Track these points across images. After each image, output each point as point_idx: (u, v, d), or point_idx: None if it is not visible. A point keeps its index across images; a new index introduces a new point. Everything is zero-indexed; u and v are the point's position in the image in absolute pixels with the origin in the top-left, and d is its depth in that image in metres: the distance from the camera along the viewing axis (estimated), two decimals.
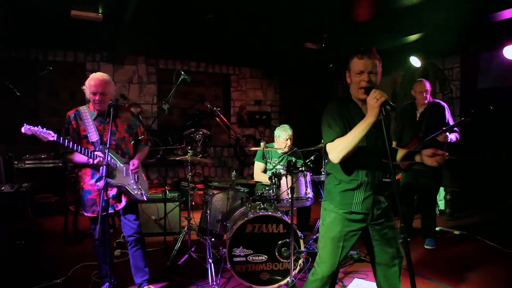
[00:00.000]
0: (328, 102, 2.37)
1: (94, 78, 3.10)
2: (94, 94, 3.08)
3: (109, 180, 3.06)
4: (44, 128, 2.86)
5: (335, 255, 2.31)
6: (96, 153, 3.02)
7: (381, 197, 2.34)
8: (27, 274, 3.81)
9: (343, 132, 2.21)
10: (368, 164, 2.28)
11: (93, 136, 3.09)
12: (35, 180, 6.10)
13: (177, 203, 5.14)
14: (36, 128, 2.82)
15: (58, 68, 7.21)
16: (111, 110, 2.98)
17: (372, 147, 2.27)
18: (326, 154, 2.36)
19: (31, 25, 5.63)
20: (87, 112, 3.15)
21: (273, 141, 4.71)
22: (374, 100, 2.07)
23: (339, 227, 2.30)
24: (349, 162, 2.23)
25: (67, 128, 3.13)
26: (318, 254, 2.41)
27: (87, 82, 3.12)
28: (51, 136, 2.86)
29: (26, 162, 6.11)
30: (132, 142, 3.35)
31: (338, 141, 2.18)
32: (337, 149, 2.16)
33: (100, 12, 5.02)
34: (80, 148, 2.97)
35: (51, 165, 6.26)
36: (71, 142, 2.95)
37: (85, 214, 3.20)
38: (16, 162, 5.79)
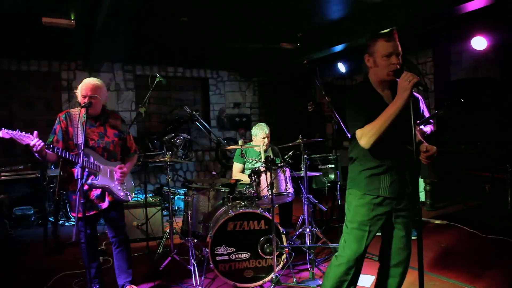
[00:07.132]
0: (350, 93, 2.35)
1: (86, 83, 3.14)
2: (84, 97, 3.09)
3: (93, 181, 3.06)
4: (23, 132, 2.82)
5: (361, 239, 2.30)
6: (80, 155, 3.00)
7: (408, 183, 2.31)
8: (6, 286, 3.72)
9: (370, 117, 2.18)
10: (394, 148, 2.26)
11: (79, 138, 3.07)
12: (12, 193, 5.98)
13: (159, 208, 5.10)
14: (14, 132, 2.79)
15: (32, 78, 7.08)
16: (86, 109, 2.96)
17: (398, 131, 2.19)
18: (356, 141, 2.30)
19: (1, 34, 5.50)
20: (77, 114, 3.16)
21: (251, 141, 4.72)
22: (406, 82, 2.05)
23: (366, 211, 2.30)
24: (375, 147, 2.19)
25: (55, 128, 3.13)
26: (343, 238, 2.40)
27: (79, 86, 3.16)
28: (30, 139, 2.81)
29: (2, 174, 5.95)
30: (120, 145, 3.38)
31: (368, 126, 2.16)
32: (368, 134, 2.15)
33: (72, 18, 4.94)
34: (62, 151, 2.93)
35: (28, 176, 6.12)
36: (51, 145, 2.92)
37: (71, 214, 3.17)
38: None
